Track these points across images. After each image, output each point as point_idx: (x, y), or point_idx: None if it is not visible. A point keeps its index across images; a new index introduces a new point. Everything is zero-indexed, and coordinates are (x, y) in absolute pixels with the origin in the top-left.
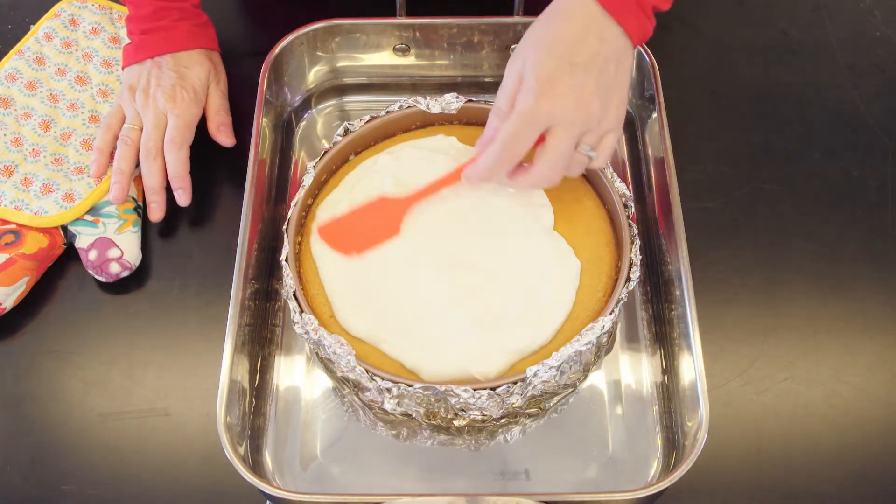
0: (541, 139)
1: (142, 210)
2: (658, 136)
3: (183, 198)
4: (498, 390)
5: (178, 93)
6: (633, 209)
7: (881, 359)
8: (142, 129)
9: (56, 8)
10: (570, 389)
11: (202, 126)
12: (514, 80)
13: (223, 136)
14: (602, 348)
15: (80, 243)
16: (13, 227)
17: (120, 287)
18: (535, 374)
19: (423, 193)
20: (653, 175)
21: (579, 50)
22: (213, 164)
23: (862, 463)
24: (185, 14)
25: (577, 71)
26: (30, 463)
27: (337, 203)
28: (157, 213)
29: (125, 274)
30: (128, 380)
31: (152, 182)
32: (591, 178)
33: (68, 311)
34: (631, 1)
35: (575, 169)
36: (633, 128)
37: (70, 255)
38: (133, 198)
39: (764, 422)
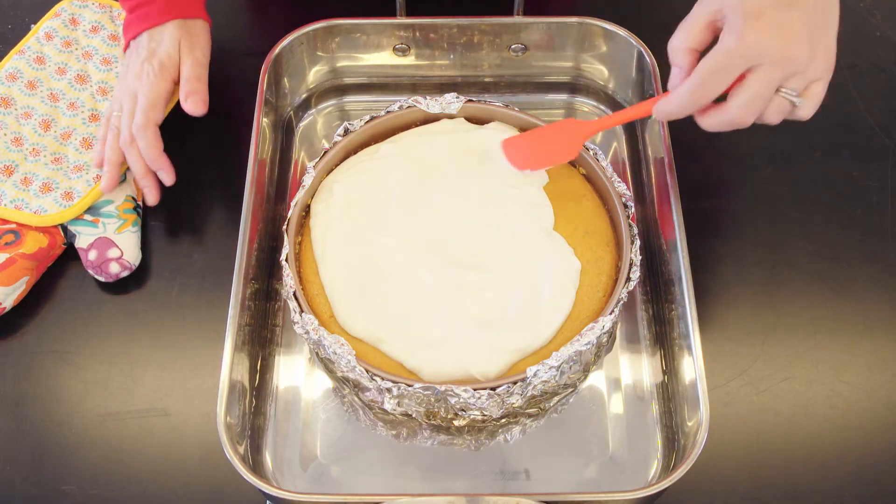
0: (740, 78)
1: (141, 210)
2: (658, 136)
3: (166, 178)
4: (498, 390)
5: (145, 69)
6: (633, 209)
7: (881, 359)
8: None
9: (57, 7)
10: (570, 389)
11: (202, 127)
12: (707, 15)
13: (191, 104)
14: (602, 348)
15: (80, 243)
16: (13, 226)
17: (120, 287)
18: (535, 374)
19: (611, 121)
20: (653, 175)
21: None
22: (213, 164)
23: (862, 463)
24: None
25: (787, 7)
26: (30, 463)
27: (331, 184)
28: (150, 197)
29: (125, 274)
30: (128, 380)
31: (135, 168)
32: (591, 178)
33: (68, 311)
34: None
35: (775, 114)
36: (633, 128)
37: (70, 255)
38: (132, 197)
39: (764, 422)
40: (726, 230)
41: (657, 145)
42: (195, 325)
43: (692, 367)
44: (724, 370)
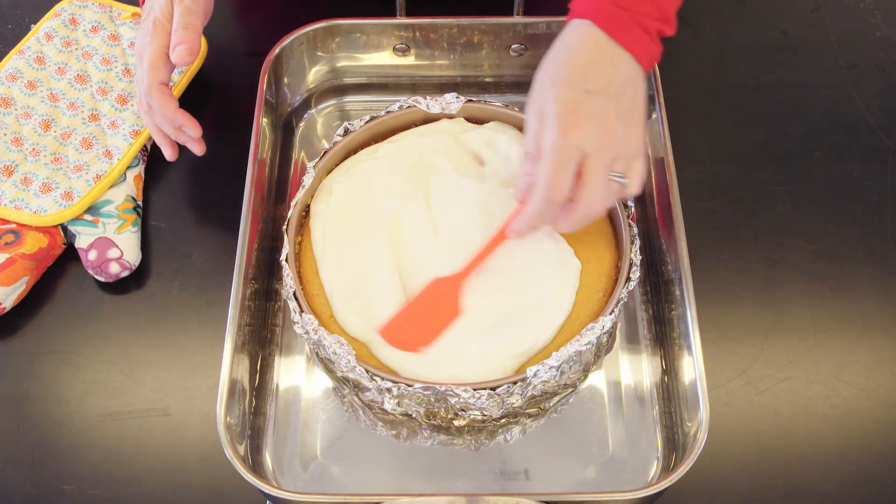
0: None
1: (141, 210)
2: (658, 136)
3: (192, 131)
4: (498, 390)
5: (143, 29)
6: (633, 209)
7: (881, 359)
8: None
9: (57, 7)
10: (570, 389)
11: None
12: (535, 121)
13: (177, 54)
14: (602, 348)
15: (80, 243)
16: (13, 226)
17: (120, 287)
18: (535, 374)
19: (474, 264)
20: (653, 175)
21: (593, 78)
22: (213, 164)
23: (862, 463)
24: None
25: (596, 99)
26: (30, 463)
27: (331, 184)
28: (168, 153)
29: (125, 274)
30: (128, 380)
31: (151, 128)
32: None
33: (68, 311)
34: (636, 27)
35: (610, 199)
36: None
37: (70, 255)
38: (132, 197)
39: (764, 422)
40: (726, 230)
41: (657, 145)
42: (195, 325)
43: (692, 367)
44: (724, 370)
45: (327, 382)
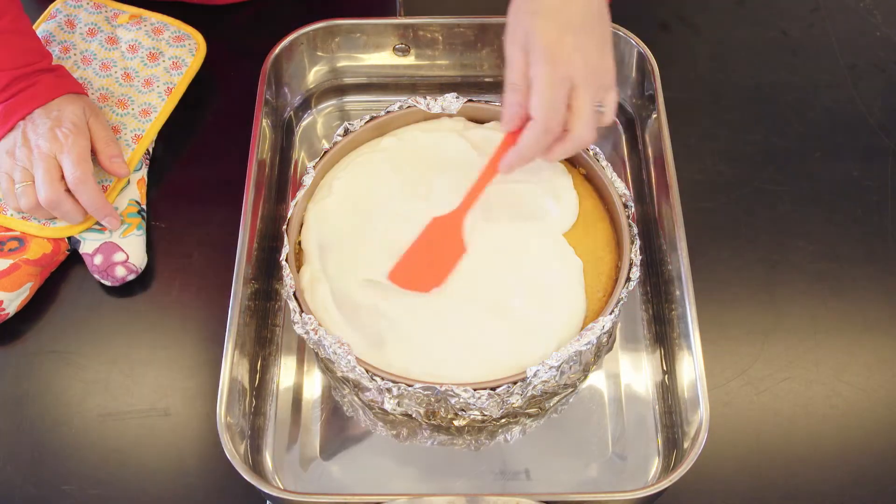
0: None
1: (145, 213)
2: (658, 136)
3: (114, 223)
4: (498, 390)
5: (59, 133)
6: (633, 209)
7: (881, 359)
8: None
9: (51, 9)
10: (570, 389)
11: (202, 127)
12: (519, 55)
13: (116, 166)
14: (602, 348)
15: (85, 248)
16: (17, 233)
17: (120, 287)
18: (535, 374)
19: (470, 199)
20: (653, 175)
21: (571, 12)
22: (213, 164)
23: (862, 463)
24: (42, 70)
25: (576, 31)
26: (30, 463)
27: (331, 181)
28: (114, 223)
29: (131, 277)
30: (128, 380)
31: (72, 219)
32: (591, 178)
33: (69, 311)
34: None
35: (595, 128)
36: (633, 128)
37: (71, 255)
38: (136, 201)
39: (764, 422)
40: (726, 230)
41: (657, 145)
42: (195, 325)
43: (692, 367)
44: (724, 370)
45: (327, 382)
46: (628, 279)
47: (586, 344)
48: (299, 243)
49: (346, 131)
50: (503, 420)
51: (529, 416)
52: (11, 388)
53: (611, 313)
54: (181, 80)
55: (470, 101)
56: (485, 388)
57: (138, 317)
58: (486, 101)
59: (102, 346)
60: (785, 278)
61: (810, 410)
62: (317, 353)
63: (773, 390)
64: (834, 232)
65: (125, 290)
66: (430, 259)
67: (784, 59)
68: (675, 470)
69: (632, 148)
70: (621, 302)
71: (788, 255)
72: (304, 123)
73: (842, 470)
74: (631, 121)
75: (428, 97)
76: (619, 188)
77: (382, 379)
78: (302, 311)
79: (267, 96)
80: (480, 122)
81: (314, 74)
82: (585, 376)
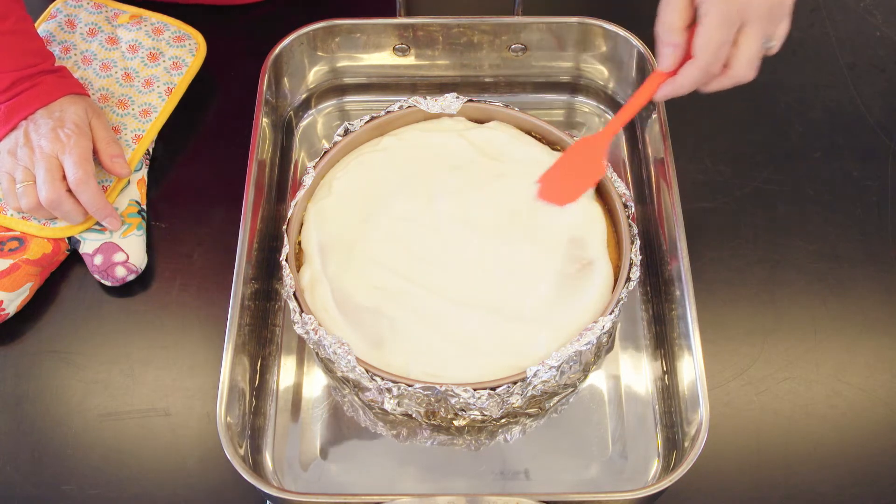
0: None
1: (145, 213)
2: (658, 136)
3: (115, 223)
4: (498, 390)
5: (61, 133)
6: (633, 209)
7: (881, 359)
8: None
9: (51, 8)
10: (570, 389)
11: (202, 127)
12: None
13: (118, 167)
14: (602, 348)
15: (85, 248)
16: (17, 233)
17: (120, 287)
18: (535, 374)
19: (617, 123)
20: (653, 175)
21: None
22: (213, 165)
23: (862, 463)
24: (44, 71)
25: None
26: (30, 463)
27: (331, 181)
28: (115, 223)
29: (131, 277)
30: (128, 380)
31: (73, 220)
32: None
33: (69, 311)
34: None
35: (758, 63)
36: (633, 128)
37: (70, 255)
38: (136, 201)
39: (764, 422)
40: (726, 230)
41: (657, 145)
42: (195, 325)
43: (692, 367)
44: (724, 370)
45: (327, 382)
46: (628, 279)
47: (586, 344)
48: (299, 243)
49: (346, 131)
50: (503, 420)
51: (529, 416)
52: (11, 388)
53: (611, 313)
54: (181, 81)
55: (470, 101)
56: (485, 388)
57: (138, 317)
58: (487, 101)
59: (102, 346)
60: (785, 278)
61: (810, 410)
62: (317, 353)
63: (773, 390)
64: (834, 232)
65: (125, 290)
66: (571, 176)
67: (784, 59)
68: (675, 470)
69: (632, 148)
70: (621, 302)
71: (788, 255)
72: (304, 123)
73: (842, 470)
74: (631, 121)
75: (428, 97)
76: (619, 188)
77: (382, 379)
78: (302, 311)
79: (267, 96)
80: (480, 122)
81: (314, 74)
82: (585, 376)
